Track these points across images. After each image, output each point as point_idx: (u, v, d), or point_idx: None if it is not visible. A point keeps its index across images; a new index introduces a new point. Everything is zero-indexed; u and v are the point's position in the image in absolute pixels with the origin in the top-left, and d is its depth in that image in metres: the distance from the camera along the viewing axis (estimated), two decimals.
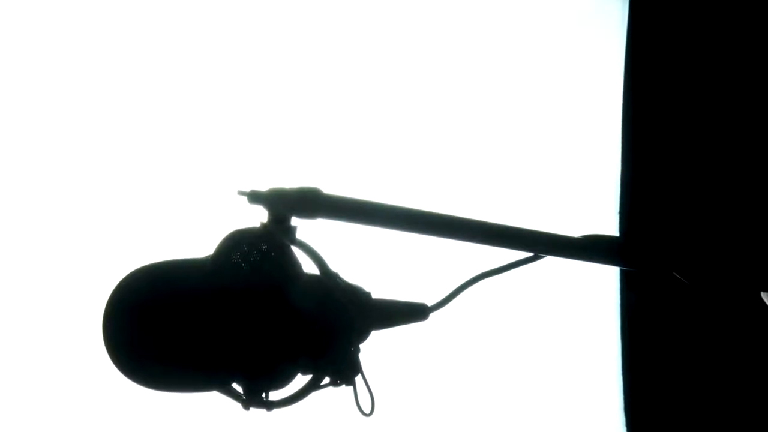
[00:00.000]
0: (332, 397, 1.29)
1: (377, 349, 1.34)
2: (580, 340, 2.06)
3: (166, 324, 1.15)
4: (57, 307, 1.84)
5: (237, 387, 1.25)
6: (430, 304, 1.34)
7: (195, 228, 1.73)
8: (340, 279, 1.25)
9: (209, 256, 1.20)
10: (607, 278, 2.06)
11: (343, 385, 1.26)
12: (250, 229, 1.22)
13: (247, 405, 1.24)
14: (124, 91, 1.92)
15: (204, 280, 1.17)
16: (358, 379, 1.26)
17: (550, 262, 1.73)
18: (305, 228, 1.27)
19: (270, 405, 1.25)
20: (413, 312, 1.32)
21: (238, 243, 1.19)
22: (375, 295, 1.29)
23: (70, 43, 1.92)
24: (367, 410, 1.27)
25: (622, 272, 2.04)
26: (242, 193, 1.25)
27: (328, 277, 1.24)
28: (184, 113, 1.91)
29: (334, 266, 1.26)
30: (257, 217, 1.25)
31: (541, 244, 1.41)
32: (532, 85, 2.04)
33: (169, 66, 1.93)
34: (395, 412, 1.97)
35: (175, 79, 1.92)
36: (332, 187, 1.29)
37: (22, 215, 1.88)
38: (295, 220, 1.26)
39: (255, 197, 1.25)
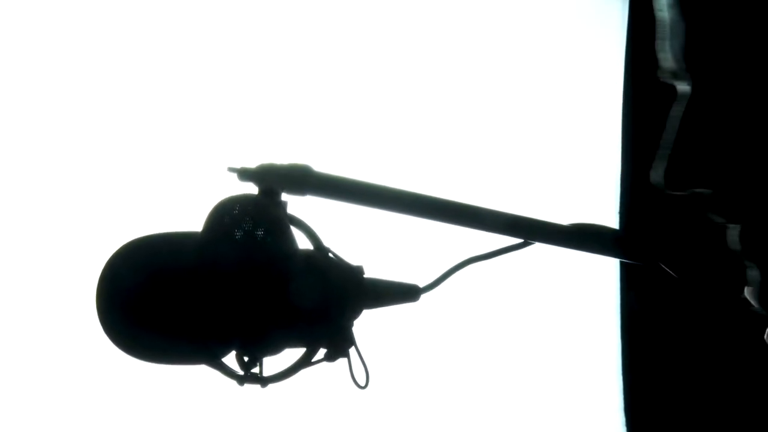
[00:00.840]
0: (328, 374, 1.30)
1: (375, 337, 1.35)
2: (580, 339, 2.07)
3: (159, 293, 1.15)
4: (52, 284, 1.85)
5: (232, 365, 1.25)
6: (421, 285, 1.34)
7: (186, 206, 1.73)
8: (333, 254, 1.26)
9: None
10: (607, 278, 2.06)
11: (338, 360, 1.26)
12: (240, 196, 1.21)
13: (241, 381, 1.24)
14: (113, 72, 1.92)
15: (196, 247, 1.17)
16: (353, 352, 1.26)
17: (550, 261, 1.74)
18: (299, 205, 1.28)
19: (264, 380, 1.25)
20: (405, 292, 1.32)
21: (228, 209, 1.19)
22: (367, 275, 1.30)
23: (55, 21, 1.92)
24: (362, 383, 1.27)
25: (622, 272, 2.04)
26: (232, 170, 1.26)
27: (320, 252, 1.25)
28: (174, 93, 1.92)
29: (326, 242, 1.27)
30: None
31: (530, 231, 1.41)
32: (532, 85, 2.05)
33: (159, 46, 1.93)
34: (392, 402, 1.98)
35: (166, 60, 1.93)
36: (325, 166, 1.30)
37: (10, 197, 1.89)
38: (285, 197, 1.27)
39: (245, 174, 1.26)
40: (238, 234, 1.16)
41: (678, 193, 1.30)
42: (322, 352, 1.26)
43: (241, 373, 1.23)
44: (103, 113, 1.92)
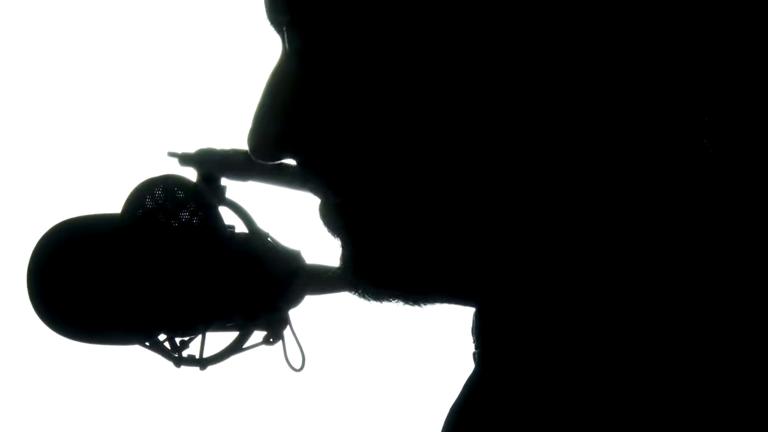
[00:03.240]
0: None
1: (319, 324, 1.34)
2: None
3: (77, 276, 1.13)
4: None
5: (167, 344, 1.24)
6: None
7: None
8: (271, 238, 1.26)
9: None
10: None
11: (276, 343, 1.26)
12: (162, 176, 1.18)
13: (178, 362, 1.24)
14: (60, 53, 1.92)
15: (114, 231, 1.14)
16: (288, 334, 1.25)
17: None
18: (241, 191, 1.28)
19: (203, 363, 1.24)
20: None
21: (149, 190, 1.16)
22: (309, 260, 1.29)
23: None
24: (297, 366, 1.26)
25: None
26: (173, 155, 1.26)
27: (256, 236, 1.24)
28: (118, 77, 1.92)
29: (265, 227, 1.26)
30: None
31: None
32: None
33: (107, 26, 1.94)
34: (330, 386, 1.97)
35: (112, 43, 1.93)
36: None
37: None
38: (226, 182, 1.27)
39: (185, 158, 1.26)
40: (162, 217, 1.14)
41: None
42: (260, 336, 1.26)
43: (176, 354, 1.22)
44: (45, 94, 1.92)
